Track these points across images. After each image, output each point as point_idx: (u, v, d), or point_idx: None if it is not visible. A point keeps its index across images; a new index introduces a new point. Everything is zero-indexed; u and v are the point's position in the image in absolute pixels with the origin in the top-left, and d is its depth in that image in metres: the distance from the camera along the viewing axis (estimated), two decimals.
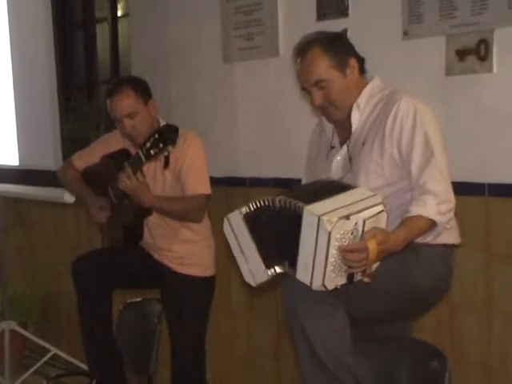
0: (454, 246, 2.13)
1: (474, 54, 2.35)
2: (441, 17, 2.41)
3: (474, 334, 2.45)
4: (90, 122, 3.99)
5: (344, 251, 1.83)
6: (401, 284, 1.98)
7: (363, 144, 2.11)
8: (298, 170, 2.48)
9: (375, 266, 1.92)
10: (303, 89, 2.17)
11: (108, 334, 2.77)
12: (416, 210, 1.97)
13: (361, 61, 2.16)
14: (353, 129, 2.14)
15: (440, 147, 2.05)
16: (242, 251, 1.98)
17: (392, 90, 2.14)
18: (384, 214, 1.91)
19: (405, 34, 2.51)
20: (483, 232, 2.40)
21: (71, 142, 3.96)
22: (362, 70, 2.17)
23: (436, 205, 1.97)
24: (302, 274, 1.86)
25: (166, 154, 2.51)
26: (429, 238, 2.03)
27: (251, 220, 1.95)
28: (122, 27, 3.91)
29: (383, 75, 2.55)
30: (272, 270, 1.97)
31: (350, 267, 1.86)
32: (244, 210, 1.96)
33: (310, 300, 1.89)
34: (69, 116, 4.12)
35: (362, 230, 1.84)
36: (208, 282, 2.83)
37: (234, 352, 3.26)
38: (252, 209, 1.96)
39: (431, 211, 1.97)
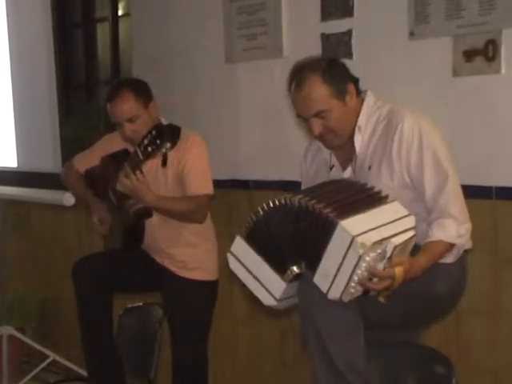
0: (467, 250, 2.12)
1: (482, 54, 2.33)
2: (448, 17, 2.39)
3: (481, 340, 2.44)
4: (90, 122, 3.97)
5: (372, 274, 1.84)
6: (418, 286, 1.97)
7: (369, 168, 2.08)
8: None
9: None
10: (299, 116, 2.12)
11: (108, 339, 2.74)
12: (437, 234, 1.98)
13: (356, 82, 2.11)
14: (356, 151, 2.11)
15: (451, 166, 2.04)
16: (254, 277, 1.95)
17: (390, 108, 2.09)
18: (414, 239, 1.92)
19: (411, 34, 2.49)
20: (491, 235, 2.38)
21: (71, 143, 3.94)
22: (357, 92, 2.12)
23: (456, 229, 1.98)
24: (320, 281, 1.86)
25: (164, 150, 2.48)
26: (449, 259, 2.03)
27: (253, 236, 1.94)
28: (122, 27, 3.89)
29: (389, 77, 2.54)
30: (288, 272, 1.93)
31: (369, 288, 1.87)
32: (244, 231, 1.95)
33: (325, 302, 1.88)
34: (68, 117, 4.11)
35: (391, 255, 1.84)
36: (211, 287, 2.79)
37: (236, 358, 3.25)
38: (252, 223, 1.94)
39: (452, 235, 1.98)
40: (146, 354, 2.77)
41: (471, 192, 2.21)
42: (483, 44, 2.32)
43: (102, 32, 4.06)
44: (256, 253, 1.93)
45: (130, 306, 2.96)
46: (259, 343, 3.14)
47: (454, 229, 1.98)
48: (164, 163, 2.63)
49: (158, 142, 2.41)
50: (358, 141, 2.10)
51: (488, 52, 2.31)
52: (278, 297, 1.94)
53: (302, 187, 2.30)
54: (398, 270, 1.85)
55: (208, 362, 2.81)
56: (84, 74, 4.20)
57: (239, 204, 2.94)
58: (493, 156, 2.35)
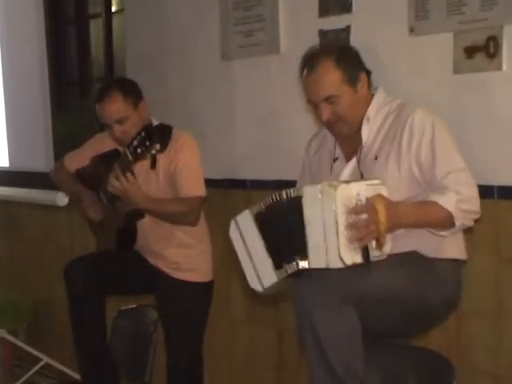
0: (463, 262, 2.13)
1: (483, 51, 2.30)
2: (448, 13, 2.37)
3: (483, 342, 2.41)
4: (83, 120, 3.95)
5: (352, 213, 1.81)
6: (412, 297, 1.97)
7: (376, 158, 2.07)
8: (300, 171, 2.41)
9: (388, 241, 1.90)
10: (310, 102, 2.13)
11: (101, 341, 2.72)
12: (434, 197, 1.95)
13: (369, 74, 2.14)
14: (363, 142, 2.11)
15: (462, 160, 2.03)
16: (249, 255, 1.94)
17: (401, 103, 2.12)
18: (384, 188, 1.90)
19: (411, 30, 2.46)
20: (492, 235, 2.36)
21: (64, 142, 3.92)
22: (369, 84, 2.14)
23: (456, 200, 1.95)
24: (316, 258, 1.83)
25: (154, 152, 2.45)
26: (443, 232, 2.00)
27: (262, 219, 1.93)
28: (116, 23, 3.88)
29: (389, 74, 2.51)
30: (282, 270, 1.92)
31: (361, 238, 1.84)
32: (255, 209, 1.93)
33: (323, 305, 1.86)
34: (61, 115, 4.08)
35: (366, 198, 1.83)
36: (205, 288, 2.77)
37: (233, 359, 3.23)
38: (263, 207, 1.93)
39: (450, 202, 1.94)
40: (141, 357, 2.76)
41: None
42: (484, 40, 2.29)
43: (96, 28, 4.05)
44: (260, 234, 1.92)
45: (124, 308, 2.95)
46: (257, 344, 3.11)
47: (453, 199, 1.94)
48: (153, 165, 2.61)
49: (148, 143, 2.39)
50: (366, 132, 2.10)
51: (489, 48, 2.29)
52: (265, 286, 1.94)
53: (301, 179, 2.30)
54: (378, 204, 1.83)
55: (203, 364, 2.79)
56: (77, 72, 4.19)
57: (237, 204, 2.91)
58: (494, 154, 2.33)
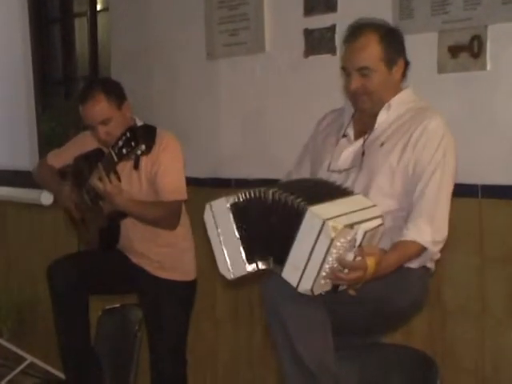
0: (430, 270, 2.12)
1: (467, 50, 2.31)
2: (433, 12, 2.38)
3: (467, 340, 2.42)
4: (67, 119, 3.93)
5: (344, 266, 1.82)
6: (377, 299, 1.97)
7: (382, 145, 2.08)
8: (285, 170, 2.42)
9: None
10: (343, 69, 2.12)
11: (85, 341, 2.70)
12: (411, 234, 1.97)
13: (407, 64, 2.14)
14: (376, 126, 2.11)
15: (449, 179, 2.05)
16: (221, 241, 1.93)
17: (425, 106, 2.13)
18: (382, 229, 1.91)
19: None
20: (476, 234, 2.37)
21: (48, 141, 3.89)
22: (404, 74, 2.15)
23: (431, 233, 1.98)
24: (290, 274, 1.82)
25: (139, 153, 2.44)
26: (413, 265, 2.03)
27: (238, 210, 1.92)
28: (101, 22, 3.86)
29: None
30: (254, 264, 1.93)
31: (340, 282, 1.85)
32: (232, 199, 1.92)
33: (292, 300, 1.85)
34: (46, 113, 4.05)
35: (360, 242, 1.83)
36: (189, 287, 2.76)
37: (217, 360, 3.21)
38: (241, 199, 1.92)
39: (426, 239, 1.98)
40: (125, 357, 2.74)
41: (456, 190, 2.17)
42: (468, 40, 2.30)
43: (80, 27, 4.02)
44: (234, 224, 1.91)
45: (108, 307, 2.93)
46: (241, 344, 3.10)
47: (428, 232, 1.97)
48: (136, 166, 2.60)
49: (133, 144, 2.38)
50: (382, 117, 2.11)
51: (473, 48, 2.30)
52: (235, 276, 1.94)
53: (300, 156, 2.30)
54: (371, 261, 1.84)
55: (187, 364, 2.78)
56: (61, 70, 4.16)
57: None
58: (478, 154, 2.33)
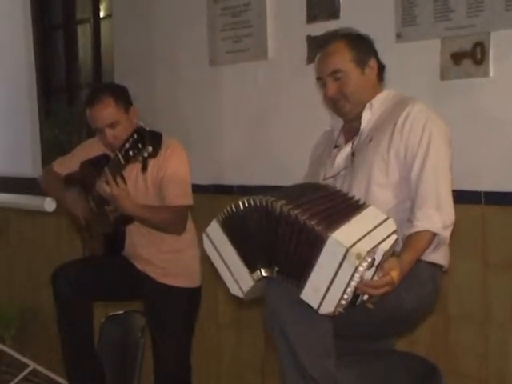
0: (442, 267, 2.11)
1: (470, 57, 2.31)
2: (435, 19, 2.38)
3: (471, 347, 2.41)
4: (70, 126, 3.93)
5: (368, 286, 1.82)
6: (386, 301, 1.94)
7: (370, 141, 2.10)
8: (288, 177, 2.43)
9: None
10: (318, 79, 2.17)
11: (89, 347, 2.69)
12: (422, 224, 1.97)
13: (381, 67, 2.17)
14: (361, 127, 2.13)
15: (443, 158, 2.04)
16: (225, 263, 1.93)
17: (407, 96, 2.15)
18: (397, 242, 1.92)
19: (398, 36, 2.47)
20: (479, 240, 2.36)
21: (51, 148, 3.89)
22: (380, 77, 2.18)
23: (441, 219, 1.98)
24: (310, 297, 1.81)
25: (146, 155, 2.44)
26: (429, 252, 2.02)
27: (228, 224, 1.91)
28: (104, 28, 3.87)
29: None
30: (258, 272, 1.90)
31: (370, 295, 1.86)
32: (221, 216, 1.92)
33: (293, 305, 1.85)
34: (49, 120, 4.05)
35: (380, 262, 1.83)
36: (193, 294, 2.76)
37: (220, 366, 3.20)
38: (228, 212, 1.91)
39: (437, 226, 1.98)
40: (128, 364, 2.74)
41: (460, 197, 2.18)
42: (471, 46, 2.30)
43: (83, 34, 4.03)
44: (230, 242, 1.91)
45: (111, 314, 2.94)
46: (244, 351, 3.10)
47: (438, 218, 1.97)
48: (144, 169, 2.59)
49: (140, 145, 2.38)
50: (366, 117, 2.13)
51: (476, 55, 2.30)
52: (245, 291, 1.92)
53: (308, 167, 2.31)
54: (395, 274, 1.86)
55: (191, 370, 2.77)
56: (64, 77, 4.16)
57: (223, 210, 2.90)
58: (481, 160, 2.33)
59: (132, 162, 2.47)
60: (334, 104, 2.15)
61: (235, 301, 2.83)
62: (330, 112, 2.25)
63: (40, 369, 3.73)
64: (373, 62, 2.14)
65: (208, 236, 1.93)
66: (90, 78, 3.94)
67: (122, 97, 2.65)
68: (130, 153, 2.39)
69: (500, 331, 2.34)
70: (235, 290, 1.94)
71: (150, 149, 2.40)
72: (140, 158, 2.45)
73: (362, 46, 2.13)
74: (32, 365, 3.71)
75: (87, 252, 2.87)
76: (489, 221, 2.34)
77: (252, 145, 2.98)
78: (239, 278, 1.91)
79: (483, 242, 2.35)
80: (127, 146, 2.39)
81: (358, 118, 2.14)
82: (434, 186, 2.00)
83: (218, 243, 1.92)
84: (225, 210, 1.92)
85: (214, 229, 1.92)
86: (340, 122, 2.22)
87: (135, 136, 2.38)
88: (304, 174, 2.31)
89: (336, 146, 2.20)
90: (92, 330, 2.69)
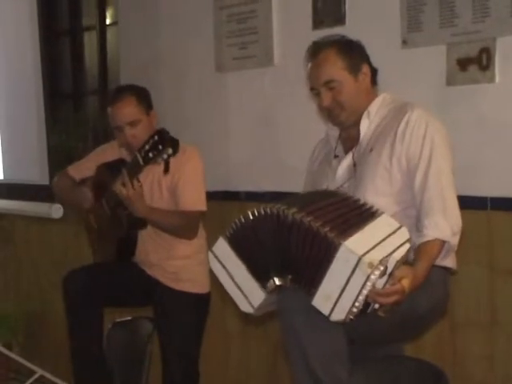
0: (451, 270, 2.11)
1: (476, 63, 2.31)
2: (441, 25, 2.38)
3: (477, 352, 2.41)
4: (77, 132, 3.93)
5: (379, 295, 1.81)
6: (400, 305, 1.93)
7: (371, 150, 2.08)
8: (296, 182, 2.42)
9: None
10: (312, 89, 2.14)
11: (98, 352, 2.70)
12: (431, 233, 1.97)
13: (374, 71, 2.15)
14: (361, 136, 2.12)
15: (447, 164, 2.03)
16: (233, 280, 1.91)
17: (405, 101, 2.13)
18: (410, 250, 1.91)
19: (404, 42, 2.47)
20: (486, 246, 2.36)
21: (58, 154, 3.89)
22: (374, 81, 2.16)
23: (449, 226, 1.97)
24: (321, 304, 1.81)
25: (166, 157, 2.44)
26: (440, 260, 2.02)
27: (237, 238, 1.89)
28: (110, 35, 3.87)
29: (381, 85, 2.50)
30: (271, 281, 1.88)
31: (380, 303, 1.84)
32: (228, 231, 1.90)
33: (307, 314, 1.84)
34: (55, 127, 4.05)
35: (392, 271, 1.82)
36: (202, 300, 2.76)
37: (227, 373, 3.19)
38: (237, 225, 1.89)
39: (447, 234, 1.97)
40: (136, 370, 2.73)
41: (466, 203, 2.18)
42: (477, 52, 2.30)
43: (90, 41, 4.03)
44: (238, 258, 1.89)
45: (118, 320, 2.92)
46: (251, 359, 3.09)
47: (446, 226, 1.97)
48: (166, 170, 2.60)
49: (160, 147, 2.38)
50: (365, 125, 2.11)
51: (482, 60, 2.30)
52: (256, 306, 1.91)
53: (305, 177, 2.30)
54: (406, 283, 1.84)
55: (199, 377, 2.76)
56: (71, 84, 4.16)
57: (231, 216, 2.87)
58: (487, 166, 2.33)
59: (151, 164, 2.47)
60: (330, 113, 2.13)
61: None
62: (325, 121, 2.25)
63: (47, 375, 3.71)
64: (365, 68, 2.12)
65: (215, 255, 1.91)
66: (97, 85, 3.94)
67: (144, 98, 2.67)
68: (150, 154, 2.39)
69: (506, 336, 2.34)
70: (245, 307, 1.92)
71: (170, 150, 2.40)
72: (160, 160, 2.45)
73: (353, 52, 2.11)
74: (40, 371, 3.70)
75: (98, 257, 2.87)
76: (495, 226, 2.33)
77: (259, 151, 2.98)
78: (249, 293, 1.90)
79: (490, 247, 2.35)
80: (147, 147, 2.39)
81: (355, 125, 2.12)
82: (439, 192, 1.99)
83: (226, 261, 1.90)
84: (232, 225, 1.90)
85: (221, 246, 1.90)
86: (336, 131, 2.20)
87: (156, 137, 2.38)
88: (303, 185, 2.31)
89: (336, 156, 2.18)
90: (102, 336, 2.70)
